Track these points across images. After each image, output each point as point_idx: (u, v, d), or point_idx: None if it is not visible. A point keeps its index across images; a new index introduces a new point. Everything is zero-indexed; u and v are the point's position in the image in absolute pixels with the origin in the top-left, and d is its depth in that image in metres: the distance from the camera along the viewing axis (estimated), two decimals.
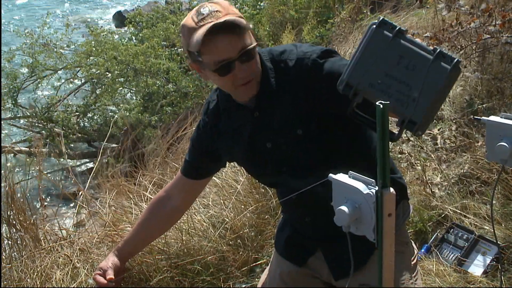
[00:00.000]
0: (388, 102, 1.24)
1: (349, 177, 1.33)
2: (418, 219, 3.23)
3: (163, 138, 4.67)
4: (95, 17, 17.67)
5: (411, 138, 3.83)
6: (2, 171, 3.06)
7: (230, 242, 3.00)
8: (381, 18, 1.41)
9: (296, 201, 2.00)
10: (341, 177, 1.34)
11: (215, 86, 2.04)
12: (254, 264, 2.95)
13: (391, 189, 1.27)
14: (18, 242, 2.84)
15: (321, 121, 1.88)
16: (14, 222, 2.88)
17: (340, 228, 1.34)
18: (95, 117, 9.37)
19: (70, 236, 3.00)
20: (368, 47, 1.40)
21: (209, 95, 2.16)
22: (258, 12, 10.37)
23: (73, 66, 9.51)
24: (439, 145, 3.87)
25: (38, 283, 2.54)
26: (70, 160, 7.92)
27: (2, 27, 15.32)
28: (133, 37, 10.67)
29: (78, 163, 8.63)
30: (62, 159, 5.89)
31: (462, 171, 3.56)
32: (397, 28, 1.38)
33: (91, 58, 9.21)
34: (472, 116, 3.91)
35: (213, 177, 2.65)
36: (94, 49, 9.21)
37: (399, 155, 3.84)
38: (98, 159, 3.89)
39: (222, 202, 3.26)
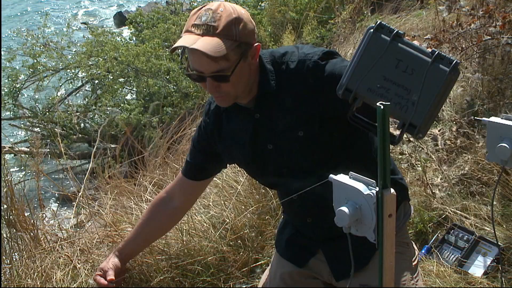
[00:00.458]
0: (389, 103, 1.24)
1: (350, 177, 1.33)
2: (419, 220, 3.23)
3: (163, 139, 4.66)
4: (95, 16, 17.68)
5: (412, 139, 3.83)
6: (2, 172, 3.06)
7: (231, 243, 3.00)
8: (378, 22, 1.41)
9: (297, 202, 2.00)
10: (342, 177, 1.34)
11: None
12: (255, 264, 2.95)
13: (392, 190, 1.27)
14: (19, 242, 2.84)
15: (322, 123, 1.88)
16: (14, 222, 2.88)
17: (341, 228, 1.34)
18: (96, 118, 9.37)
19: (70, 236, 3.00)
20: (366, 52, 1.40)
21: (210, 96, 2.16)
22: (259, 13, 10.36)
23: (73, 67, 9.51)
24: (440, 146, 3.87)
25: (38, 283, 2.54)
26: (70, 161, 7.92)
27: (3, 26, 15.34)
28: (134, 38, 10.67)
29: (78, 164, 8.63)
30: (61, 160, 5.88)
31: (462, 172, 3.56)
32: (395, 32, 1.38)
33: (91, 58, 9.21)
34: (472, 117, 3.91)
35: (214, 178, 2.65)
36: (94, 49, 9.21)
37: (400, 156, 3.84)
38: (93, 160, 3.89)
39: (222, 202, 3.26)
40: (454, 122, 3.99)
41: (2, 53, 10.33)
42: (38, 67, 9.41)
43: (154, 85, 8.58)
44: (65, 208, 5.43)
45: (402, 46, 1.38)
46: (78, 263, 2.67)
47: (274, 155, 1.98)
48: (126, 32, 11.49)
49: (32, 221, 2.93)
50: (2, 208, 2.91)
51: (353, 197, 1.31)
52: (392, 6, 7.31)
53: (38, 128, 9.13)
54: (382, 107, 1.22)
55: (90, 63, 9.20)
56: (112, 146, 7.10)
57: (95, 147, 4.73)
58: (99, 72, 8.94)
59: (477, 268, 2.95)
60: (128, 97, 9.56)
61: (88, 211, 3.31)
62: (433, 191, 3.44)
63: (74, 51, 9.85)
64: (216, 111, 2.08)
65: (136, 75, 8.82)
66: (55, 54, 9.56)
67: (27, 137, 9.04)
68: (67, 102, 9.67)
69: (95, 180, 3.91)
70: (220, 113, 2.05)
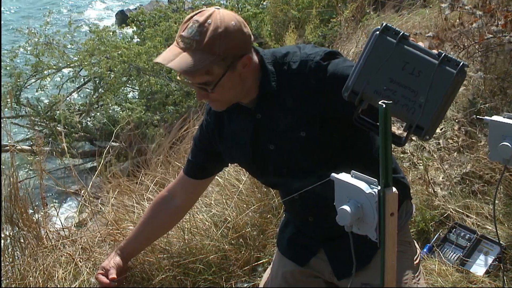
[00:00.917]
0: (391, 102, 1.24)
1: (352, 176, 1.33)
2: (421, 218, 3.23)
3: (165, 137, 4.67)
4: (97, 15, 17.69)
5: (414, 138, 3.83)
6: (7, 170, 3.06)
7: (232, 241, 3.00)
8: (384, 24, 1.40)
9: (298, 201, 2.00)
10: (344, 176, 1.34)
11: None
12: (256, 263, 2.95)
13: (394, 189, 1.27)
14: (21, 240, 2.84)
15: (323, 123, 1.88)
16: (17, 220, 2.88)
17: (343, 227, 1.34)
18: (98, 116, 9.37)
19: (72, 235, 3.00)
20: (372, 54, 1.39)
21: None
22: (261, 11, 10.36)
23: (76, 65, 9.52)
24: (442, 145, 3.86)
25: (40, 281, 2.54)
26: (72, 159, 7.92)
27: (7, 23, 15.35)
28: (136, 36, 10.67)
29: (80, 162, 8.63)
30: (64, 158, 5.89)
31: (464, 170, 3.56)
32: (401, 34, 1.38)
33: (93, 57, 9.22)
34: (475, 116, 3.91)
35: (216, 177, 2.65)
36: (96, 48, 9.21)
37: (402, 155, 3.84)
38: (99, 158, 3.89)
39: (224, 201, 3.26)
40: (456, 121, 3.98)
41: (5, 51, 10.33)
42: (41, 66, 9.41)
43: (156, 84, 8.58)
44: (67, 206, 5.44)
45: (408, 48, 1.37)
46: (80, 262, 2.67)
47: (274, 155, 1.98)
48: (125, 30, 11.48)
49: (34, 219, 2.93)
50: (5, 206, 2.91)
51: (355, 196, 1.31)
52: (395, 5, 7.31)
53: (40, 127, 9.14)
54: (384, 105, 1.22)
55: (92, 61, 9.21)
56: (115, 144, 7.10)
57: (98, 146, 4.72)
58: (101, 70, 8.95)
59: (479, 267, 2.95)
60: (130, 95, 9.57)
61: (90, 209, 3.31)
62: (435, 189, 3.44)
63: (76, 50, 9.86)
64: (217, 111, 2.09)
65: (138, 73, 8.83)
66: (57, 53, 9.57)
67: (29, 136, 9.04)
68: (69, 101, 9.68)
69: (97, 179, 3.91)
70: (221, 113, 2.05)
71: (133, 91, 9.61)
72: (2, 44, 12.32)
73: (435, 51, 1.37)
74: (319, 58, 1.86)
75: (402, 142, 1.39)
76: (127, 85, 9.37)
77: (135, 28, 10.77)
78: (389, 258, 1.32)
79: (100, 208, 3.27)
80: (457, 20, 4.10)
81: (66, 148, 4.40)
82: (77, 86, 10.01)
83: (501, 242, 3.01)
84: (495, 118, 1.57)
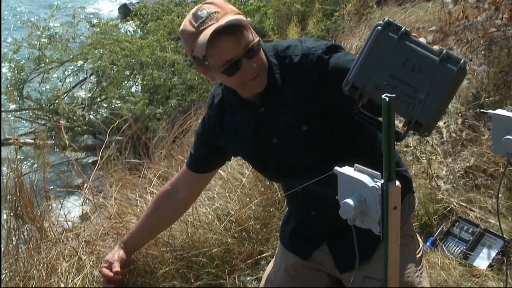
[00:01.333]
0: (394, 95, 1.24)
1: (355, 170, 1.33)
2: (424, 212, 3.23)
3: (168, 131, 4.66)
4: (100, 8, 17.67)
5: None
6: (12, 164, 3.07)
7: (235, 235, 3.00)
8: (386, 19, 1.40)
9: (301, 195, 2.01)
10: (347, 170, 1.34)
11: None
12: (259, 256, 2.96)
13: (397, 182, 1.27)
14: (25, 233, 2.85)
15: (325, 120, 1.88)
16: (21, 213, 2.89)
17: (345, 221, 1.34)
18: (101, 110, 9.38)
19: (75, 228, 3.01)
20: (374, 49, 1.39)
21: (213, 89, 2.16)
22: (264, 5, 10.34)
23: (79, 59, 9.52)
24: (445, 139, 3.86)
25: (44, 274, 2.55)
26: (75, 153, 7.93)
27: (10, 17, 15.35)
28: (139, 30, 10.66)
29: (83, 156, 8.64)
30: (66, 152, 5.91)
31: (468, 164, 3.56)
32: (402, 29, 1.38)
33: (96, 51, 9.21)
34: (478, 110, 3.90)
35: (219, 170, 2.65)
36: (99, 41, 9.21)
37: (405, 149, 3.84)
38: (100, 152, 3.90)
39: (227, 194, 3.26)
40: (460, 115, 3.98)
41: (8, 44, 10.34)
42: (43, 59, 9.41)
43: (159, 78, 8.58)
44: (71, 200, 5.45)
45: (409, 44, 1.37)
46: (83, 255, 2.68)
47: (278, 148, 1.98)
48: (128, 24, 11.48)
49: (38, 212, 2.94)
50: (10, 199, 2.92)
51: (358, 189, 1.31)
52: None
53: (43, 120, 9.15)
54: (387, 99, 1.22)
55: (96, 54, 9.20)
56: (117, 138, 7.11)
57: (101, 140, 4.73)
58: (104, 64, 8.95)
59: (482, 260, 2.95)
60: (133, 89, 9.57)
61: (93, 203, 3.32)
62: (438, 183, 3.43)
63: (79, 43, 9.85)
64: (219, 104, 2.08)
65: (141, 67, 8.82)
66: (60, 46, 9.57)
67: (32, 129, 9.06)
68: (72, 95, 9.68)
69: (100, 172, 3.91)
70: (224, 107, 2.05)
71: (136, 85, 9.61)
72: (6, 37, 12.33)
73: (436, 47, 1.37)
74: (320, 51, 1.86)
75: (400, 137, 1.39)
76: (130, 79, 9.37)
77: (138, 22, 10.76)
78: (392, 252, 1.32)
79: (102, 202, 3.27)
80: (461, 14, 4.08)
81: (67, 142, 4.40)
82: (80, 80, 10.01)
83: (504, 235, 3.01)
84: (499, 111, 1.56)
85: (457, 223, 3.14)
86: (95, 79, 9.64)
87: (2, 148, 8.00)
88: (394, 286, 1.36)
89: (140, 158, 4.25)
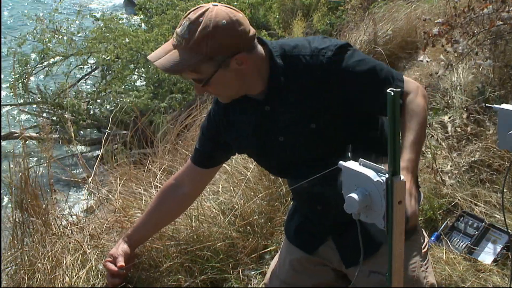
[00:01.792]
0: (399, 90, 1.24)
1: (360, 164, 1.33)
2: (428, 207, 3.22)
3: (173, 125, 4.66)
4: (105, 2, 17.68)
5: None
6: (17, 157, 3.07)
7: (240, 229, 3.00)
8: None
9: (306, 190, 2.00)
10: (352, 164, 1.34)
11: None
12: (264, 251, 2.96)
13: (402, 177, 1.27)
14: (30, 227, 2.85)
15: (333, 115, 1.88)
16: (26, 207, 2.89)
17: (350, 215, 1.34)
18: (105, 104, 9.39)
19: (80, 221, 3.02)
20: None
21: None
22: None
23: (83, 52, 9.52)
24: (450, 133, 3.85)
25: (49, 267, 2.55)
26: (80, 147, 7.95)
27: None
28: (143, 24, 10.66)
29: (88, 150, 8.66)
30: (71, 145, 5.92)
31: (473, 159, 3.55)
32: None
33: (101, 44, 9.22)
34: (483, 104, 3.89)
35: (223, 164, 2.65)
36: (104, 35, 9.21)
37: None
38: (105, 146, 3.90)
39: (232, 189, 3.26)
40: (465, 109, 3.97)
41: (13, 38, 10.36)
42: (48, 52, 9.42)
43: (163, 72, 8.55)
44: (75, 193, 5.46)
45: None
46: (88, 248, 2.68)
47: (285, 146, 1.98)
48: (135, 18, 11.48)
49: (43, 205, 2.94)
50: (15, 192, 2.93)
51: (363, 184, 1.30)
52: None
53: (48, 114, 9.16)
54: (392, 93, 1.22)
55: (101, 48, 9.20)
56: (122, 132, 7.12)
57: (106, 133, 4.74)
58: (108, 58, 8.95)
59: (487, 255, 2.94)
60: (138, 83, 9.57)
61: (97, 196, 3.32)
62: (443, 178, 3.43)
63: (84, 37, 9.86)
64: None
65: (145, 61, 8.82)
66: (65, 40, 9.57)
67: (36, 123, 9.07)
68: (76, 88, 9.69)
69: (105, 166, 3.91)
70: (229, 103, 2.05)
71: (141, 79, 9.61)
72: (10, 31, 12.34)
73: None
74: (330, 53, 1.85)
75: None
76: (134, 72, 9.37)
77: (142, 16, 10.76)
78: (397, 246, 1.31)
79: (107, 196, 3.27)
80: (467, 7, 4.06)
81: (73, 136, 4.40)
82: (84, 73, 10.02)
83: (509, 230, 3.00)
84: (504, 106, 1.56)
85: (462, 218, 3.13)
86: (100, 73, 9.65)
87: (7, 142, 8.04)
88: (398, 280, 1.35)
89: (144, 153, 4.25)
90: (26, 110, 9.60)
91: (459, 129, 3.85)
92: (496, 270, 2.83)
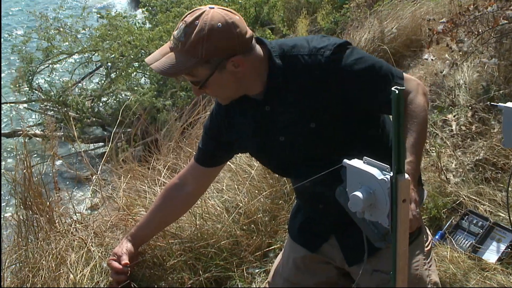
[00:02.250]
0: (403, 87, 1.24)
1: (364, 162, 1.33)
2: (433, 205, 3.22)
3: (176, 123, 4.66)
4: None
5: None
6: (21, 154, 3.08)
7: (244, 227, 3.00)
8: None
9: (308, 189, 2.00)
10: (356, 162, 1.34)
11: None
12: (268, 249, 2.96)
13: (406, 175, 1.27)
14: (34, 224, 2.86)
15: (333, 115, 1.88)
16: (31, 204, 2.90)
17: (354, 214, 1.34)
18: (110, 102, 9.39)
19: (84, 219, 3.02)
20: None
21: None
22: None
23: (88, 50, 9.53)
24: (455, 131, 3.84)
25: (53, 265, 2.56)
26: (84, 144, 7.96)
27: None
28: (148, 22, 10.65)
29: (92, 147, 8.67)
30: (75, 143, 5.93)
31: (477, 157, 3.54)
32: None
33: (105, 42, 9.22)
34: (488, 102, 3.88)
35: (228, 162, 2.65)
36: (108, 32, 9.21)
37: None
38: (110, 144, 3.90)
39: (236, 187, 3.26)
40: (470, 108, 3.96)
41: (17, 35, 10.37)
42: (53, 50, 9.43)
43: None
44: (79, 191, 5.47)
45: None
46: (92, 246, 2.69)
47: (286, 146, 1.98)
48: (140, 15, 11.47)
49: (48, 203, 2.95)
50: (20, 190, 2.93)
51: (367, 182, 1.30)
52: None
53: (52, 112, 9.18)
54: (397, 91, 1.22)
55: (104, 46, 9.21)
56: (127, 130, 7.13)
57: (111, 131, 4.74)
58: (112, 55, 8.95)
59: (491, 254, 2.94)
60: (142, 81, 9.58)
61: (102, 194, 3.32)
62: (448, 176, 3.42)
63: (88, 35, 9.86)
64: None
65: None
66: (70, 38, 9.58)
67: (41, 121, 9.09)
68: (81, 86, 9.70)
69: (109, 163, 3.92)
70: (231, 103, 2.05)
71: (145, 77, 9.61)
72: (12, 28, 12.37)
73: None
74: (329, 52, 1.85)
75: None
76: (139, 70, 9.37)
77: (147, 14, 10.76)
78: (401, 245, 1.31)
79: (111, 194, 3.28)
80: (471, 6, 4.05)
81: (76, 134, 4.41)
82: (89, 71, 10.03)
83: None
84: (509, 104, 1.56)
85: (466, 217, 3.13)
86: (104, 71, 9.65)
87: (11, 140, 8.07)
88: (403, 279, 1.35)
89: (149, 150, 4.25)
90: (31, 108, 9.62)
91: (463, 128, 3.84)
92: (501, 269, 2.82)
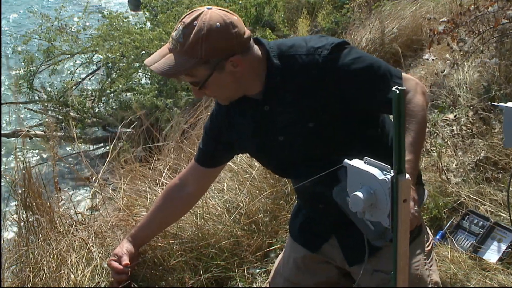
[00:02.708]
0: (404, 88, 1.24)
1: (365, 162, 1.33)
2: (434, 205, 3.22)
3: (177, 123, 4.67)
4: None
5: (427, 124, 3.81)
6: (21, 155, 3.08)
7: (245, 227, 3.00)
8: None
9: (308, 189, 2.00)
10: (356, 162, 1.33)
11: None
12: (269, 249, 2.96)
13: (407, 175, 1.26)
14: (35, 225, 2.86)
15: (331, 115, 1.88)
16: (31, 205, 2.90)
17: (352, 213, 1.34)
18: (110, 102, 9.39)
19: (85, 220, 3.02)
20: None
21: None
22: None
23: (88, 51, 9.52)
24: (456, 131, 3.84)
25: (54, 265, 2.56)
26: (84, 145, 7.96)
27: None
28: (148, 22, 10.64)
29: (93, 148, 8.66)
30: (76, 144, 5.93)
31: (478, 157, 3.54)
32: None
33: (106, 42, 9.21)
34: (489, 102, 3.87)
35: (228, 162, 2.65)
36: (109, 32, 9.20)
37: None
38: (112, 144, 3.91)
39: (237, 187, 3.26)
40: (471, 107, 3.95)
41: (18, 36, 10.37)
42: (52, 51, 9.43)
43: None
44: (80, 191, 5.47)
45: None
46: (93, 247, 2.69)
47: (285, 146, 1.98)
48: (141, 18, 11.47)
49: (48, 204, 2.95)
50: (20, 191, 2.93)
51: (368, 182, 1.30)
52: None
53: (53, 112, 9.17)
54: (397, 91, 1.22)
55: (106, 46, 9.20)
56: (127, 130, 7.12)
57: (112, 131, 4.74)
58: (113, 56, 8.94)
59: (492, 254, 2.93)
60: (143, 81, 9.57)
61: (102, 195, 3.32)
62: (448, 176, 3.42)
63: (89, 35, 9.86)
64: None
65: None
66: (71, 38, 9.57)
67: (41, 121, 9.08)
68: (81, 86, 9.70)
69: (110, 164, 3.92)
70: (230, 103, 2.05)
71: (146, 77, 9.61)
72: (13, 28, 12.37)
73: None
74: (326, 52, 1.85)
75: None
76: (140, 71, 9.36)
77: (147, 14, 10.75)
78: (402, 245, 1.31)
79: (112, 194, 3.28)
80: (472, 6, 4.05)
81: (76, 135, 4.41)
82: (90, 71, 10.02)
83: None
84: (510, 104, 1.55)
85: (467, 217, 3.13)
86: (105, 71, 9.65)
87: (12, 140, 8.06)
88: (403, 279, 1.35)
89: (150, 151, 4.25)
90: (30, 108, 9.61)
91: (464, 128, 3.84)
92: (502, 268, 2.82)
